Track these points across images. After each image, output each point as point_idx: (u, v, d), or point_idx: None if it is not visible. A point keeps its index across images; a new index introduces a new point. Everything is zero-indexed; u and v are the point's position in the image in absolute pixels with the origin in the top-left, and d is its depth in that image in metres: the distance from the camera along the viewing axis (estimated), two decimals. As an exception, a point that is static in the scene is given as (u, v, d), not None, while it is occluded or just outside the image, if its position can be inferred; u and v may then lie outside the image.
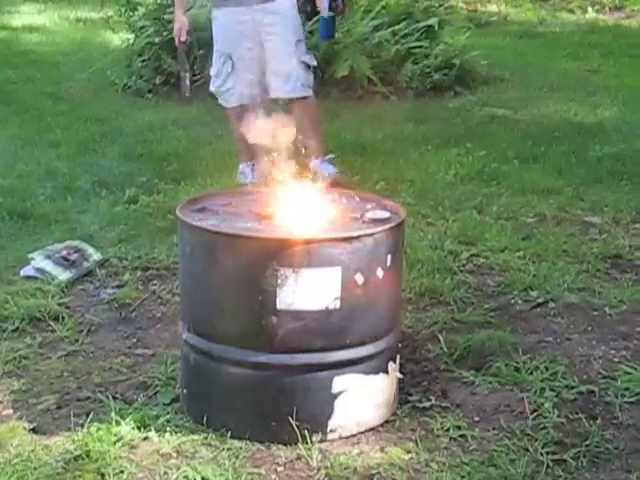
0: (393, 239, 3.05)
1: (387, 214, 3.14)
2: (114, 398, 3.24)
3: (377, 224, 3.05)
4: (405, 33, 8.62)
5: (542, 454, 2.91)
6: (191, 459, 2.90)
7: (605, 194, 5.52)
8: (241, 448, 2.95)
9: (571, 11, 13.21)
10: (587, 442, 2.97)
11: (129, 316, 4.01)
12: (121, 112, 7.85)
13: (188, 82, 6.04)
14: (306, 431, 2.95)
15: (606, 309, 3.99)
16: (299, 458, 2.91)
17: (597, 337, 3.75)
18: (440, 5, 9.49)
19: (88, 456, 2.87)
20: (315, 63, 5.66)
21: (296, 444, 2.94)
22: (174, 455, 2.92)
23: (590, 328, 3.84)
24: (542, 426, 3.06)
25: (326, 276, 2.89)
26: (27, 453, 2.92)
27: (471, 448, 2.96)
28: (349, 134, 6.88)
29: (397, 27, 8.62)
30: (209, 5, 5.90)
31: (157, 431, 3.02)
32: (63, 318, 3.92)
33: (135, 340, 3.78)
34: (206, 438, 2.99)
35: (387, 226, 3.04)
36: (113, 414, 3.07)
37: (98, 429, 3.00)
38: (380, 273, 2.98)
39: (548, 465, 2.86)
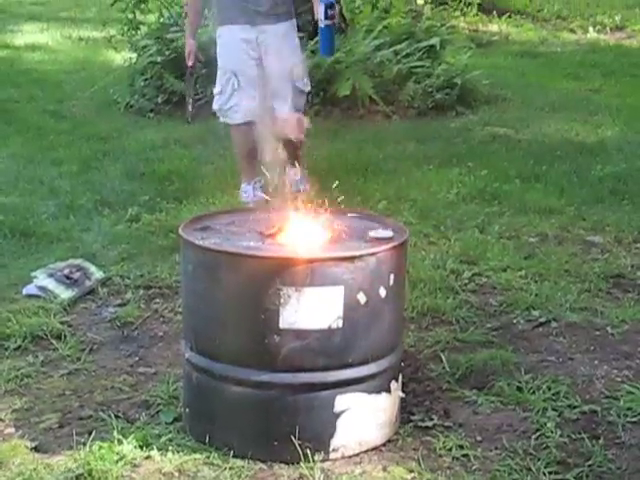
0: (396, 258, 3.05)
1: (390, 233, 3.14)
2: (116, 417, 3.23)
3: (380, 243, 3.05)
4: (407, 53, 8.65)
5: (545, 474, 2.90)
6: (193, 478, 2.89)
7: (607, 214, 5.53)
8: (243, 467, 2.94)
9: (572, 31, 13.24)
10: (590, 462, 2.97)
11: (131, 335, 4.01)
12: (123, 131, 7.86)
13: (190, 108, 6.12)
14: (308, 450, 2.94)
15: (608, 329, 3.99)
16: (301, 477, 2.90)
17: (599, 357, 3.75)
18: (442, 25, 9.56)
19: (90, 475, 2.87)
20: (309, 89, 5.73)
21: (298, 463, 2.94)
22: (176, 474, 2.91)
23: (592, 348, 3.84)
24: (545, 446, 3.06)
25: (329, 295, 2.89)
26: (29, 472, 2.91)
27: (474, 468, 2.96)
28: (351, 153, 6.89)
29: (399, 47, 8.64)
30: (211, 24, 5.91)
31: (159, 450, 3.01)
32: (65, 336, 3.92)
33: (137, 359, 3.78)
34: (208, 457, 2.99)
35: (390, 245, 3.04)
36: (115, 433, 3.07)
37: (100, 448, 2.99)
38: (383, 292, 2.98)
39: (551, 485, 2.85)
